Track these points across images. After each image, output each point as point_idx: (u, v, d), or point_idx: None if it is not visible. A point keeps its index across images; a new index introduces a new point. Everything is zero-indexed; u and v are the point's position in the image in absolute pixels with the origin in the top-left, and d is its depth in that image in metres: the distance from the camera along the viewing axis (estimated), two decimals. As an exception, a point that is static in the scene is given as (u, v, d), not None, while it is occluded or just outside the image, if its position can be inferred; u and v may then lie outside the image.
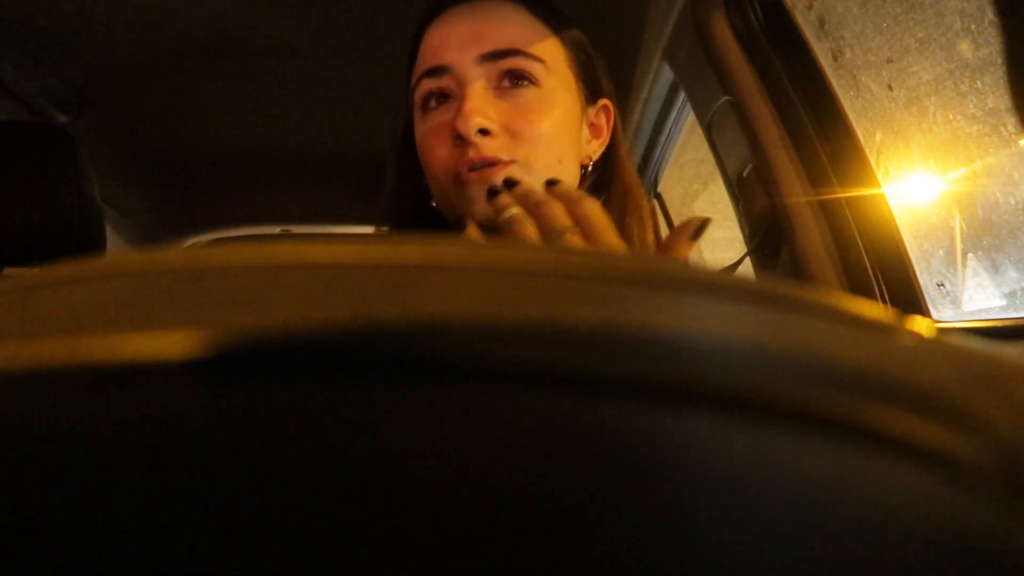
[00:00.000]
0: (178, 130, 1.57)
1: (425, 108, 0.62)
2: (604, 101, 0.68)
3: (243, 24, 1.22)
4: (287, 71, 1.36)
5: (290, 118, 1.53)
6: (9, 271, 0.91)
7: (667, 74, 1.30)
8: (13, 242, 0.86)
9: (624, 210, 0.66)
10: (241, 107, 1.49)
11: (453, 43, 0.60)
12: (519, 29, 0.61)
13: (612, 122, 0.68)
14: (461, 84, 0.60)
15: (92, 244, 0.90)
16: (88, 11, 1.16)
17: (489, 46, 0.60)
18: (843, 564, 0.10)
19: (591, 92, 0.66)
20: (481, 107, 0.58)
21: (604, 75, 0.68)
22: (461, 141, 0.58)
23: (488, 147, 0.57)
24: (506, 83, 0.60)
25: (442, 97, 0.61)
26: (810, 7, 1.03)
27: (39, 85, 1.33)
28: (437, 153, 0.60)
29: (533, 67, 0.60)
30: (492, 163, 0.57)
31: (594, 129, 0.67)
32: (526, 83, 0.60)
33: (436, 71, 0.61)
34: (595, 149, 0.67)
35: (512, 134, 0.58)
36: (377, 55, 1.28)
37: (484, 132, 0.57)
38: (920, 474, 0.12)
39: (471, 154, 0.57)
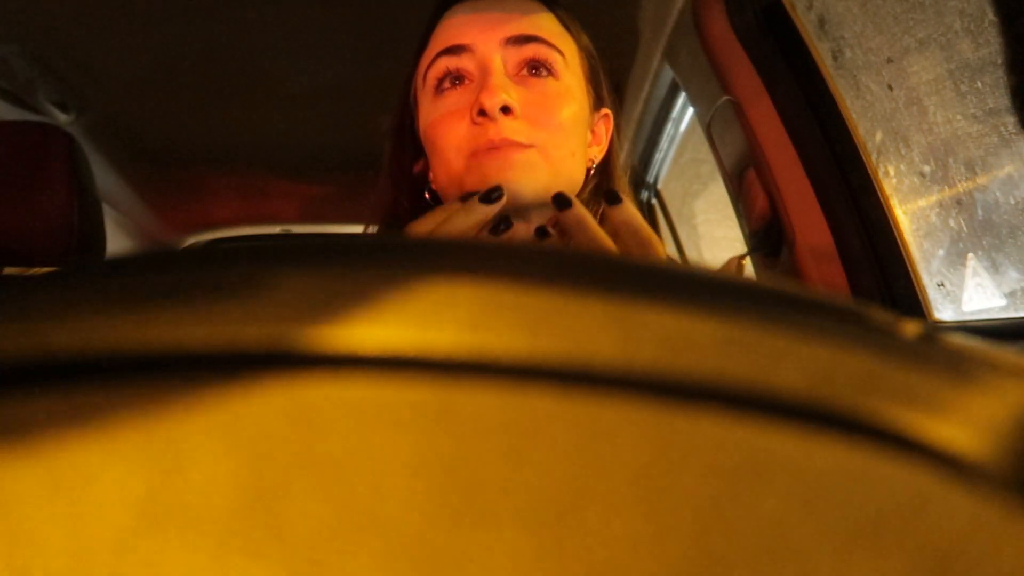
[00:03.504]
0: (178, 130, 1.57)
1: (439, 89, 0.61)
2: (606, 110, 0.69)
3: (243, 24, 1.22)
4: (286, 71, 1.36)
5: (289, 118, 1.53)
6: (9, 271, 0.91)
7: (667, 74, 1.30)
8: (13, 242, 0.86)
9: None
10: (241, 107, 1.49)
11: (477, 25, 0.60)
12: (542, 22, 0.62)
13: (610, 133, 0.69)
14: (483, 65, 0.59)
15: (92, 244, 0.90)
16: (89, 11, 1.16)
17: (514, 31, 0.60)
18: (844, 559, 0.10)
19: (596, 98, 0.67)
20: (507, 85, 0.58)
21: (607, 85, 0.69)
22: (482, 118, 0.57)
23: (509, 127, 0.57)
24: (525, 71, 0.60)
25: (458, 79, 0.61)
26: (810, 7, 1.03)
27: (39, 85, 1.33)
28: (453, 132, 0.59)
29: (554, 57, 0.61)
30: (511, 144, 0.57)
31: (594, 135, 0.68)
32: (546, 73, 0.60)
33: (456, 49, 0.60)
34: (596, 154, 0.68)
35: (531, 120, 0.58)
36: (377, 55, 1.28)
37: (507, 111, 0.57)
38: (920, 471, 0.12)
39: (491, 133, 0.56)
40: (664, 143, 1.53)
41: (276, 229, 2.02)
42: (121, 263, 0.15)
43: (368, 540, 0.10)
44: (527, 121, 0.58)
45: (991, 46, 0.81)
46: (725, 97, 1.04)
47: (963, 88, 0.89)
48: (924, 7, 0.92)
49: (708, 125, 1.12)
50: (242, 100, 1.46)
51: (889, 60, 0.98)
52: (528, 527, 0.10)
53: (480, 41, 0.60)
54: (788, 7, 0.99)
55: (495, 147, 0.57)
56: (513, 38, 0.60)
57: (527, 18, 0.61)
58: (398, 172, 0.68)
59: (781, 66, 1.00)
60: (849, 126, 0.95)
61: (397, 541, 0.10)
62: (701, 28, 1.07)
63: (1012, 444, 0.13)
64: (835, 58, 1.02)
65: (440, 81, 0.61)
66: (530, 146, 0.57)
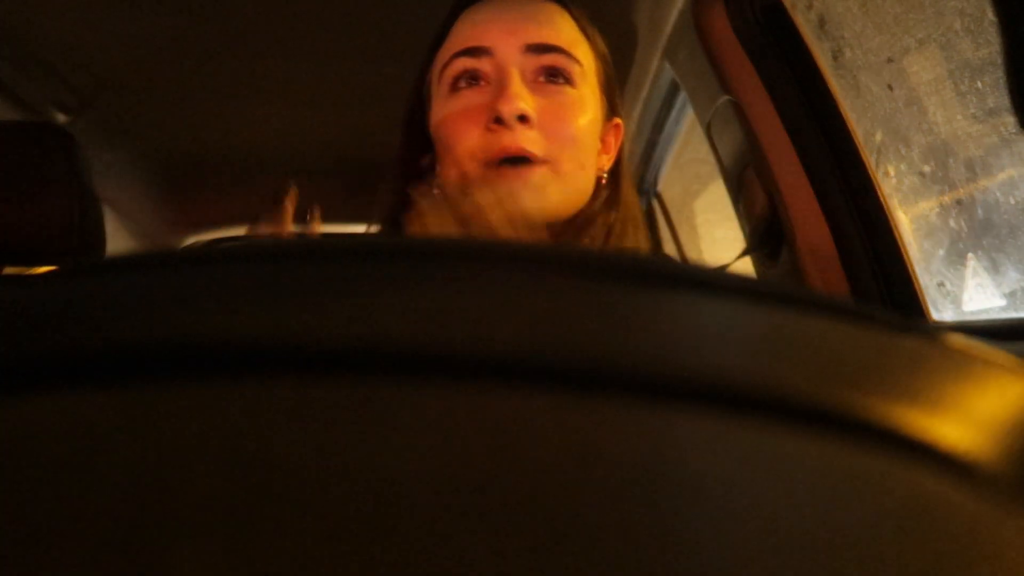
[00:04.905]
0: (178, 130, 1.57)
1: (455, 88, 0.61)
2: (617, 120, 0.68)
3: (243, 24, 1.22)
4: (287, 71, 1.36)
5: (290, 118, 1.53)
6: (9, 271, 0.91)
7: (667, 74, 1.30)
8: (13, 242, 0.86)
9: (626, 226, 0.66)
10: (241, 107, 1.49)
11: (498, 28, 0.60)
12: (563, 29, 0.62)
13: (620, 142, 0.69)
14: (502, 69, 0.59)
15: (92, 244, 0.90)
16: (89, 11, 1.16)
17: (535, 38, 0.60)
18: (844, 558, 0.10)
19: (609, 106, 0.67)
20: (524, 93, 0.57)
21: (619, 95, 0.69)
22: (498, 125, 0.57)
23: (525, 137, 0.57)
24: (542, 79, 0.60)
25: (474, 79, 0.60)
26: (810, 7, 1.03)
27: (39, 85, 1.33)
28: (467, 136, 0.58)
29: (572, 67, 0.60)
30: (526, 158, 0.57)
31: (604, 144, 0.67)
32: (563, 82, 0.60)
33: (475, 51, 0.60)
34: (605, 163, 0.67)
35: (546, 130, 0.58)
36: (377, 55, 1.28)
37: (523, 119, 0.57)
38: (920, 470, 0.12)
39: (506, 140, 0.56)
40: (663, 143, 1.53)
41: (276, 229, 2.01)
42: (122, 262, 0.15)
43: (370, 539, 0.10)
44: (542, 131, 0.58)
45: (991, 46, 0.81)
46: (725, 97, 1.04)
47: (963, 88, 0.90)
48: (924, 7, 0.92)
49: (708, 125, 1.12)
50: (243, 100, 1.46)
51: (889, 60, 0.98)
52: (529, 527, 0.10)
53: (500, 45, 0.59)
54: (788, 7, 0.99)
55: (509, 160, 0.56)
56: (533, 46, 0.59)
57: (548, 25, 0.61)
58: (406, 166, 0.68)
59: (781, 66, 1.00)
60: (849, 126, 0.95)
61: (399, 540, 0.10)
62: (701, 28, 1.07)
63: (1012, 444, 0.13)
64: (835, 58, 1.02)
65: (456, 80, 0.61)
66: (544, 162, 0.57)
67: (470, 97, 0.60)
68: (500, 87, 0.58)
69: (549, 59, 0.60)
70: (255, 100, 1.46)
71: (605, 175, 0.67)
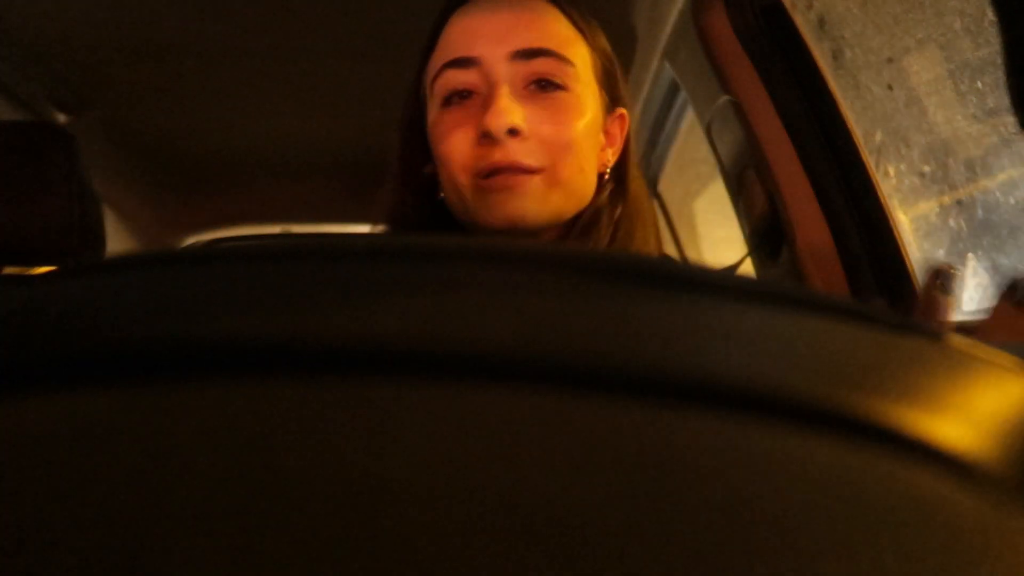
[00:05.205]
0: (178, 130, 1.58)
1: (446, 101, 0.60)
2: (621, 110, 0.67)
3: (244, 24, 1.22)
4: (287, 71, 1.36)
5: (290, 118, 1.53)
6: (9, 271, 0.91)
7: (667, 74, 1.30)
8: (13, 242, 0.86)
9: (634, 219, 0.65)
10: (241, 107, 1.49)
11: (484, 35, 0.59)
12: (552, 29, 0.60)
13: (626, 132, 0.67)
14: (490, 80, 0.58)
15: (92, 244, 0.90)
16: (88, 11, 1.16)
17: (522, 43, 0.58)
18: (844, 558, 0.10)
19: (611, 100, 0.65)
20: (513, 106, 0.56)
21: (623, 83, 0.67)
22: (488, 140, 0.56)
23: (516, 150, 0.56)
24: (533, 87, 0.58)
25: (465, 92, 0.59)
26: (810, 7, 1.03)
27: (39, 85, 1.33)
28: (458, 149, 0.58)
29: (564, 70, 0.59)
30: (518, 169, 0.56)
31: (608, 137, 0.66)
32: (555, 87, 0.58)
33: (463, 62, 0.59)
34: (610, 156, 0.66)
35: (540, 139, 0.57)
36: (377, 55, 1.28)
37: (514, 133, 0.55)
38: (920, 470, 0.12)
39: (497, 156, 0.55)
40: (663, 143, 1.53)
41: (276, 229, 2.02)
42: (122, 262, 0.15)
43: (370, 537, 0.10)
44: (536, 140, 0.56)
45: (991, 46, 0.81)
46: (725, 97, 1.04)
47: (963, 88, 0.90)
48: (924, 7, 0.92)
49: (708, 125, 1.12)
50: (243, 100, 1.46)
51: (889, 60, 0.98)
52: (529, 527, 0.10)
53: (487, 54, 0.58)
54: (788, 7, 1.00)
55: (500, 172, 0.55)
56: (522, 51, 0.58)
57: (537, 26, 0.59)
58: (407, 172, 0.67)
59: (781, 66, 1.00)
60: (849, 126, 0.95)
61: (398, 539, 0.10)
62: (701, 28, 1.07)
63: (1012, 444, 0.13)
64: (835, 58, 1.02)
65: (446, 94, 0.60)
66: (538, 170, 0.56)
67: (460, 110, 0.59)
68: (489, 99, 0.57)
69: (539, 64, 0.58)
70: (255, 100, 1.46)
71: (608, 171, 0.65)
